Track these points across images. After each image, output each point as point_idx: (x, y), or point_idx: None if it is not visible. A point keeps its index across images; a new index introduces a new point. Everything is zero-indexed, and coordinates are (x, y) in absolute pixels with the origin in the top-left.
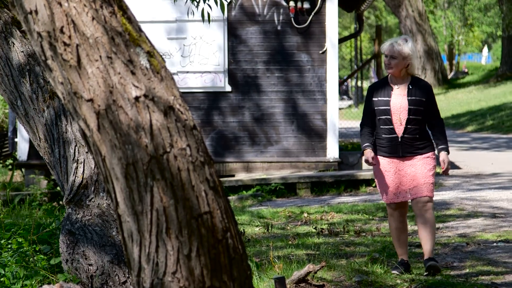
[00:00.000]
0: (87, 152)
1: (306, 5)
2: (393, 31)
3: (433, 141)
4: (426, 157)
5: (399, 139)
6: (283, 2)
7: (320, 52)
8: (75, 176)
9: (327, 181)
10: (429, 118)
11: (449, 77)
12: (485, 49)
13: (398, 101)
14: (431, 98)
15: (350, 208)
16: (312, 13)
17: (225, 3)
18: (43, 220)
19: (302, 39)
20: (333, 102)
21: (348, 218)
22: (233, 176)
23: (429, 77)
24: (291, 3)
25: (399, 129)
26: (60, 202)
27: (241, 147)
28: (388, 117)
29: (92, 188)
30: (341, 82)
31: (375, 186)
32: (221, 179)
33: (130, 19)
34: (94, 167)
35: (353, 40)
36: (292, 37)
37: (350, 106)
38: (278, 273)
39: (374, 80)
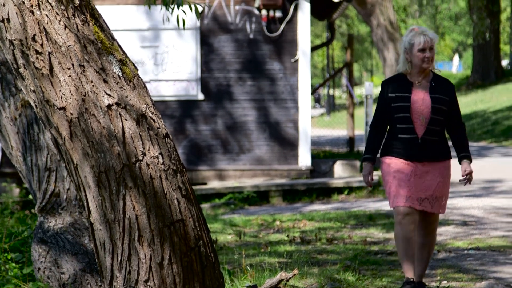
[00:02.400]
0: (59, 160)
1: (278, 14)
2: (365, 40)
3: (453, 147)
4: (444, 167)
5: (419, 140)
6: (255, 10)
7: (292, 60)
8: (47, 185)
9: (300, 189)
10: (450, 120)
11: None
12: (456, 57)
13: (420, 97)
14: (454, 98)
15: (322, 216)
16: (284, 22)
17: (200, 9)
18: (15, 228)
19: (274, 48)
20: (305, 110)
21: (320, 226)
22: (206, 184)
23: None
24: (263, 12)
25: (420, 129)
26: (32, 211)
27: (213, 155)
28: (407, 115)
29: (64, 197)
30: (313, 90)
31: (347, 194)
32: (193, 187)
33: (103, 27)
34: (67, 175)
35: (325, 48)
36: (265, 46)
37: (322, 114)
38: (251, 281)
39: (348, 86)
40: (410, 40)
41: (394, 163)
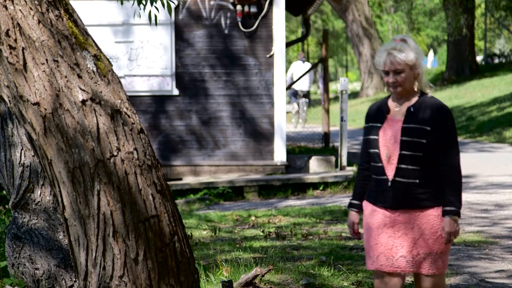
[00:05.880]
0: (33, 156)
1: (253, 9)
2: (340, 35)
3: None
4: (432, 216)
5: (389, 183)
6: (230, 6)
7: (267, 56)
8: (21, 180)
9: (275, 184)
10: (438, 156)
11: None
12: (431, 53)
13: (391, 129)
14: (443, 128)
15: (297, 211)
16: (259, 17)
17: (172, 6)
18: None
19: (249, 43)
20: (280, 105)
21: (296, 222)
22: (181, 179)
23: (375, 82)
24: (238, 7)
25: (389, 169)
26: (6, 206)
27: (188, 151)
28: (376, 151)
29: (39, 192)
30: (288, 86)
31: (322, 190)
32: (168, 182)
33: (77, 22)
34: (41, 171)
35: (300, 44)
36: (240, 41)
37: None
38: (226, 277)
39: (320, 84)
40: (376, 57)
41: (368, 210)
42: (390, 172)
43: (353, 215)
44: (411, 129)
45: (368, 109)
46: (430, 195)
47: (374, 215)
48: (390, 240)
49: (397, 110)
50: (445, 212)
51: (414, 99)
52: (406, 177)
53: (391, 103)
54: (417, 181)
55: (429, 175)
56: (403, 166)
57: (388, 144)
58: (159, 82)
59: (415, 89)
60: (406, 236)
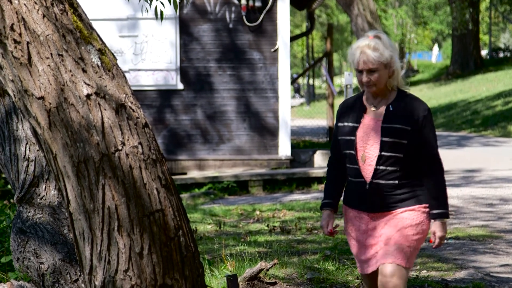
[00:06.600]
0: (38, 150)
1: (258, 3)
2: (344, 29)
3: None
4: (408, 210)
5: (367, 186)
6: (235, 0)
7: (272, 50)
8: (26, 174)
9: (279, 178)
10: (419, 157)
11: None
12: (436, 47)
13: (369, 129)
14: (424, 127)
15: (302, 205)
16: (264, 11)
17: (178, 0)
18: None
19: (254, 37)
20: (285, 100)
21: (300, 216)
22: (185, 174)
23: None
24: (243, 1)
25: (367, 171)
26: (11, 200)
27: (193, 145)
28: (352, 152)
29: (44, 186)
30: (293, 80)
31: None
32: (173, 177)
33: (81, 16)
34: (45, 165)
35: (304, 38)
36: (244, 35)
37: (302, 104)
38: (231, 271)
39: (327, 78)
40: (350, 54)
41: (348, 216)
42: (367, 174)
43: (327, 214)
44: (391, 129)
45: (340, 107)
46: (409, 196)
47: (354, 220)
48: (368, 242)
49: (374, 109)
50: (435, 215)
51: (392, 98)
52: (384, 178)
53: (366, 102)
54: (396, 182)
55: (408, 175)
56: (381, 167)
57: (365, 145)
58: (164, 76)
59: (391, 87)
60: (383, 236)
